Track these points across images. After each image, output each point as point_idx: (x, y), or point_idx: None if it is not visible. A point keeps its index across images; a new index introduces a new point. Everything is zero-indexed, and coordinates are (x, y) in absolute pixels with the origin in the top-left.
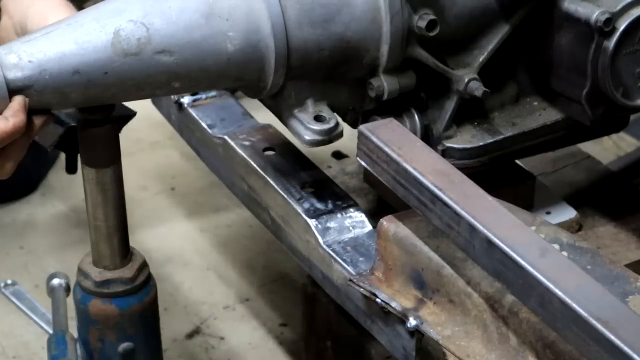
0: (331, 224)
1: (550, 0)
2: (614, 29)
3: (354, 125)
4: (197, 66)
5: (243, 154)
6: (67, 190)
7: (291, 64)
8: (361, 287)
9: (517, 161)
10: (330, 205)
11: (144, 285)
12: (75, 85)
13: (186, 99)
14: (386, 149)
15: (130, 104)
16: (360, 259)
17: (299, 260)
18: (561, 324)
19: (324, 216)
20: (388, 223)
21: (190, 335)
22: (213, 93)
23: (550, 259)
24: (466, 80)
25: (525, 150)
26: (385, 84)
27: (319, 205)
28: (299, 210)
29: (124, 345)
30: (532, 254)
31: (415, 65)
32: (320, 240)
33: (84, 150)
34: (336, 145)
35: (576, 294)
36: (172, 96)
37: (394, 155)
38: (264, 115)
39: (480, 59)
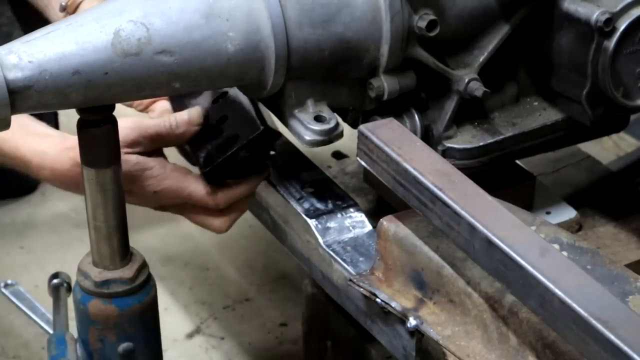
0: (331, 224)
1: (550, 0)
2: (614, 29)
3: (354, 125)
4: (198, 66)
5: None
6: None
7: (291, 64)
8: (361, 287)
9: (517, 161)
10: (330, 205)
11: (144, 285)
12: (76, 86)
13: None
14: (386, 149)
15: None
16: (360, 259)
17: (299, 260)
18: (561, 324)
19: (324, 216)
20: (388, 223)
21: (190, 335)
22: None
23: (550, 259)
24: (466, 80)
25: (525, 150)
26: (385, 84)
27: (319, 205)
28: (299, 210)
29: (124, 346)
30: (532, 254)
31: (416, 66)
32: (320, 240)
33: (84, 151)
34: (336, 145)
35: (576, 294)
36: None
37: (394, 155)
38: None
39: (481, 59)
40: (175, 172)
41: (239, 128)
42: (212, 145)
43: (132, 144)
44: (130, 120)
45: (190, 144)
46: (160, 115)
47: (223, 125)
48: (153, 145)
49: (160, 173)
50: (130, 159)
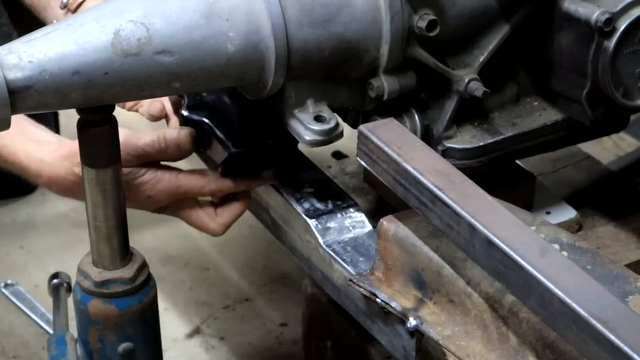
0: (331, 224)
1: (550, 0)
2: (614, 29)
3: (354, 125)
4: (198, 66)
5: None
6: None
7: (291, 64)
8: (361, 287)
9: (517, 161)
10: (330, 205)
11: (144, 285)
12: (76, 86)
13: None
14: (386, 149)
15: None
16: (360, 259)
17: (299, 260)
18: (561, 324)
19: (324, 216)
20: (388, 223)
21: (190, 335)
22: None
23: (550, 259)
24: (466, 80)
25: (525, 150)
26: (385, 84)
27: (319, 205)
28: (299, 210)
29: (123, 346)
30: (532, 254)
31: (416, 65)
32: (320, 240)
33: (84, 151)
34: (336, 145)
35: (576, 294)
36: None
37: (394, 155)
38: None
39: (481, 59)
40: (166, 174)
41: (266, 124)
42: (236, 132)
43: (124, 161)
44: (120, 136)
45: (213, 122)
46: (149, 105)
47: (246, 117)
48: (140, 161)
49: (152, 177)
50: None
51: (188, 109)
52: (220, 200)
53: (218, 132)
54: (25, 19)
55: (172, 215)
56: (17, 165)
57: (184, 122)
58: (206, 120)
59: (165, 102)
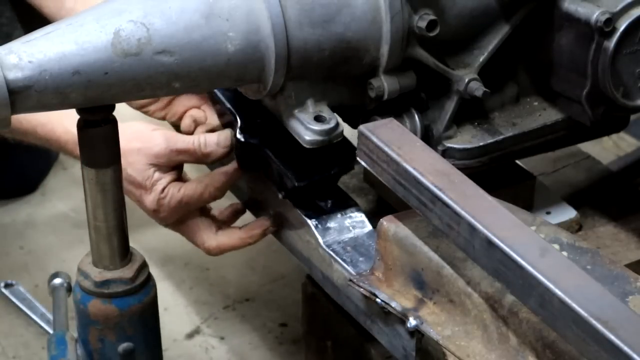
0: (331, 224)
1: (550, 0)
2: (614, 29)
3: (354, 125)
4: (197, 66)
5: None
6: (67, 190)
7: (291, 64)
8: (361, 287)
9: (517, 161)
10: (330, 205)
11: (144, 285)
12: (76, 86)
13: None
14: (386, 149)
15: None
16: (360, 259)
17: (299, 260)
18: (561, 324)
19: (324, 216)
20: (388, 223)
21: (190, 335)
22: None
23: (550, 259)
24: (466, 80)
25: (525, 150)
26: (385, 84)
27: (319, 205)
28: (299, 210)
29: (123, 346)
30: (532, 254)
31: (416, 66)
32: (320, 240)
33: (84, 151)
34: None
35: (576, 294)
36: None
37: (394, 155)
38: None
39: (481, 59)
40: (171, 189)
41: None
42: (297, 161)
43: (159, 155)
44: (161, 133)
45: (273, 151)
46: (190, 122)
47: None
48: (179, 157)
49: (163, 190)
50: (147, 172)
51: (242, 131)
52: (227, 222)
53: (279, 163)
54: (32, 17)
55: (174, 230)
56: (54, 141)
57: (240, 146)
58: (266, 150)
59: (211, 115)
